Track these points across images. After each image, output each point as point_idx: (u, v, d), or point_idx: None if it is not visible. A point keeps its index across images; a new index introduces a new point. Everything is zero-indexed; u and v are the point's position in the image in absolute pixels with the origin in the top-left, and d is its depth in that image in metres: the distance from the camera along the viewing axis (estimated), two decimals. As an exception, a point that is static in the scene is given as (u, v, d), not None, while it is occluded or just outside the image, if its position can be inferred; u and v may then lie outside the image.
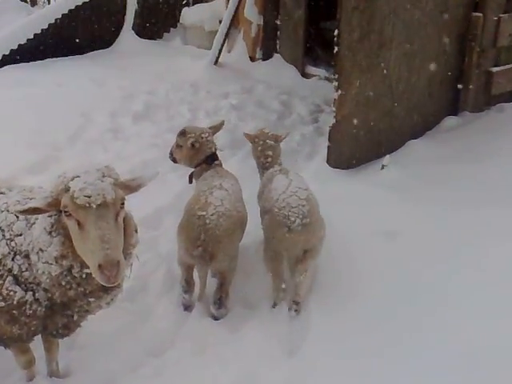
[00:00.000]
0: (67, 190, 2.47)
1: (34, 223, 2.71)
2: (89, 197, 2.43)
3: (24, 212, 2.51)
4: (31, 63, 8.53)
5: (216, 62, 8.99)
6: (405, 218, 4.53)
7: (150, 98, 7.47)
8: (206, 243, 3.57)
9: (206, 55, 9.13)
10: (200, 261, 3.63)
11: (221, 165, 4.31)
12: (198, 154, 4.23)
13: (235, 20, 9.31)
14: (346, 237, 4.38)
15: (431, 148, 5.70)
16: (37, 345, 3.13)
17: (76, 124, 6.40)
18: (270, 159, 4.32)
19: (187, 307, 3.91)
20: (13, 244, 2.72)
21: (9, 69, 8.26)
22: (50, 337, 3.07)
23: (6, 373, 3.24)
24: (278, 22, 9.12)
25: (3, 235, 2.74)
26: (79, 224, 2.46)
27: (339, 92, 5.46)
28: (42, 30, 8.81)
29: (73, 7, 9.26)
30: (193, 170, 4.34)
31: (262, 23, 9.14)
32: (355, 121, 5.61)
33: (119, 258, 2.43)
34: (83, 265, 2.57)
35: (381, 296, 3.79)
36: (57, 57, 9.02)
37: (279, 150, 4.43)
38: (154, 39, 10.81)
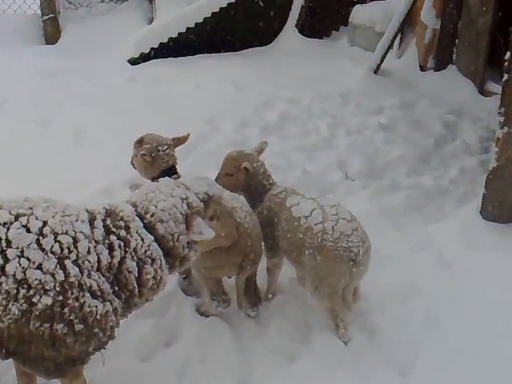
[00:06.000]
0: None
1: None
2: None
3: None
4: (179, 58, 8.16)
5: (377, 70, 7.92)
6: None
7: (288, 107, 6.64)
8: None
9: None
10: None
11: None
12: (153, 168, 3.79)
13: (411, 22, 8.21)
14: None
15: None
16: None
17: (198, 132, 5.71)
18: (271, 180, 3.86)
19: None
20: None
21: (154, 63, 7.95)
22: None
23: None
24: (458, 28, 7.79)
25: (65, 257, 2.45)
26: None
27: (505, 129, 4.51)
28: (195, 23, 8.39)
29: (233, 0, 8.71)
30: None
31: (438, 28, 7.93)
32: (526, 167, 4.53)
33: None
34: None
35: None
36: (209, 53, 8.56)
37: None
38: (321, 38, 10.01)
